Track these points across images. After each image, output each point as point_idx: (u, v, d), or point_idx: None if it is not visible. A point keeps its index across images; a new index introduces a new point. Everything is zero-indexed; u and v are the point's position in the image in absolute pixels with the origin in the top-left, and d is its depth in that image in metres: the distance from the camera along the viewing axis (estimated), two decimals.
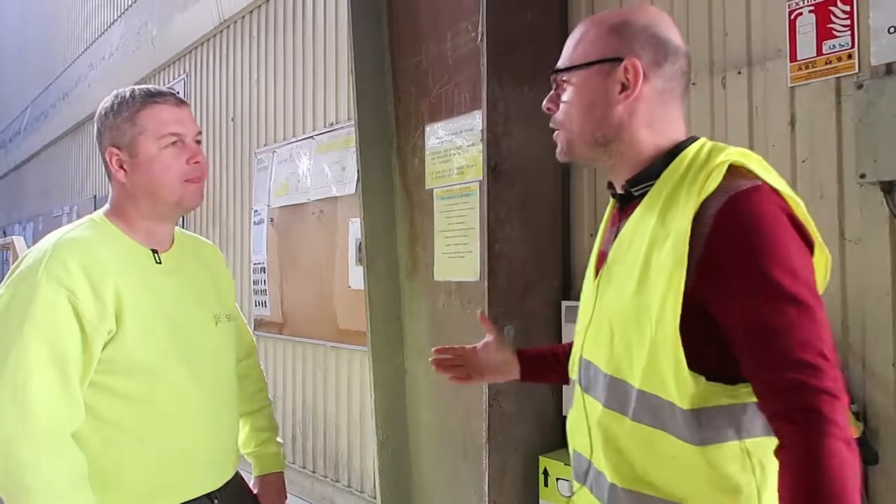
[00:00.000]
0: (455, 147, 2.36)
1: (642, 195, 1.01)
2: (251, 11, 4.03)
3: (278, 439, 1.65)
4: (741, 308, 0.89)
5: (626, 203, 1.05)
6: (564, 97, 1.06)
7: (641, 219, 1.00)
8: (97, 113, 1.39)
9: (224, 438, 1.44)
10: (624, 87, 1.00)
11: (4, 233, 9.81)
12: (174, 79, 5.09)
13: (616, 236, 1.05)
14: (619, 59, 1.00)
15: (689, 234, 0.91)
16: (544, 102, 1.10)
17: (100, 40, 6.64)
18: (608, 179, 1.10)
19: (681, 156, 0.99)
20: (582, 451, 1.09)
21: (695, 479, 0.94)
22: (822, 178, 1.70)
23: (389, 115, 2.63)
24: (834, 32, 1.68)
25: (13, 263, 4.77)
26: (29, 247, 5.15)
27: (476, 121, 2.26)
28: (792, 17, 1.75)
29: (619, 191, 1.07)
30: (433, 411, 2.46)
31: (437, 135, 2.43)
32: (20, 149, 9.86)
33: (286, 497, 1.62)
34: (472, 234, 2.28)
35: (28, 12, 10.16)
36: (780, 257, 0.89)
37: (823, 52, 1.69)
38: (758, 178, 0.94)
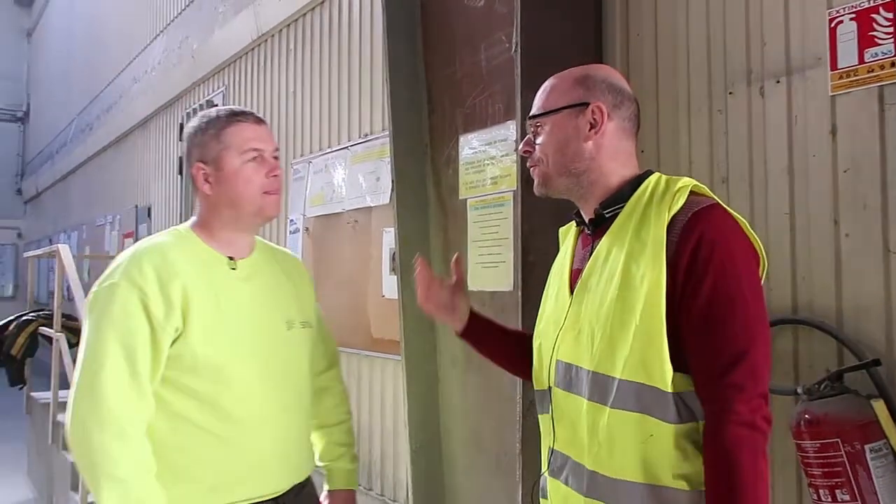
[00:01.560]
0: (489, 157, 2.37)
1: (612, 217, 1.20)
2: (288, 25, 4.10)
3: (354, 455, 1.67)
4: (698, 308, 1.07)
5: (597, 226, 1.23)
6: (539, 140, 1.25)
7: (616, 236, 1.17)
8: (185, 133, 1.50)
9: (293, 441, 1.49)
10: (592, 126, 1.20)
11: (51, 241, 10.11)
12: (213, 91, 5.20)
13: (590, 254, 1.22)
14: (587, 104, 1.21)
15: (665, 241, 1.09)
16: (521, 146, 1.29)
17: (142, 54, 6.84)
18: (575, 210, 1.29)
19: (644, 184, 1.20)
20: (560, 448, 1.23)
21: (667, 454, 1.09)
22: (864, 188, 1.66)
23: (423, 126, 2.65)
24: (876, 40, 1.64)
25: (58, 271, 4.89)
26: (73, 255, 5.27)
27: (510, 131, 2.27)
28: (832, 24, 1.72)
29: (591, 216, 1.24)
30: (467, 421, 2.46)
31: (471, 145, 2.44)
32: (66, 160, 10.18)
33: None
34: (506, 244, 2.28)
35: (74, 27, 10.50)
36: (736, 264, 1.08)
37: (865, 60, 1.66)
38: (714, 199, 1.15)
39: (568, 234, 1.36)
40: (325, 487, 1.63)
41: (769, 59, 1.86)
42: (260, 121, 1.49)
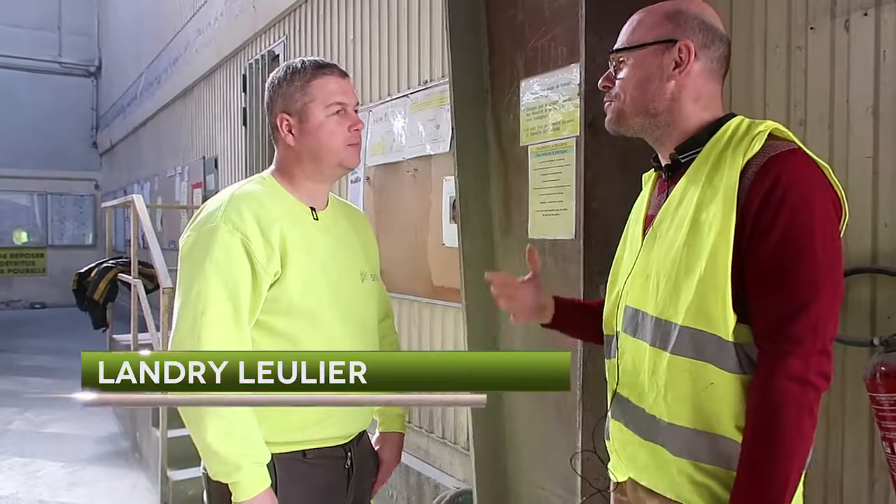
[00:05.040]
0: (551, 102, 2.31)
1: (688, 163, 1.16)
2: None
3: None
4: (764, 254, 1.03)
5: (673, 172, 1.19)
6: (621, 75, 1.20)
7: (690, 181, 1.14)
8: (269, 82, 1.50)
9: None
10: (677, 65, 1.16)
11: (126, 192, 10.54)
12: (274, 41, 5.22)
13: (665, 200, 1.18)
14: (674, 41, 1.15)
15: (737, 187, 1.05)
16: (601, 80, 1.24)
17: (206, 6, 6.90)
18: (653, 154, 1.25)
19: (724, 127, 1.14)
20: (622, 392, 1.24)
21: (727, 404, 1.07)
22: None
23: (484, 72, 2.60)
24: None
25: (133, 220, 5.07)
26: (147, 205, 5.43)
27: (573, 74, 2.20)
28: None
29: (667, 161, 1.20)
30: None
31: (533, 90, 2.39)
32: (137, 113, 10.50)
33: (400, 457, 1.71)
34: (568, 191, 2.24)
35: None
36: (812, 212, 1.02)
37: None
38: (795, 143, 1.08)
39: (649, 180, 1.33)
40: (378, 430, 1.71)
41: None
42: (344, 74, 1.50)
